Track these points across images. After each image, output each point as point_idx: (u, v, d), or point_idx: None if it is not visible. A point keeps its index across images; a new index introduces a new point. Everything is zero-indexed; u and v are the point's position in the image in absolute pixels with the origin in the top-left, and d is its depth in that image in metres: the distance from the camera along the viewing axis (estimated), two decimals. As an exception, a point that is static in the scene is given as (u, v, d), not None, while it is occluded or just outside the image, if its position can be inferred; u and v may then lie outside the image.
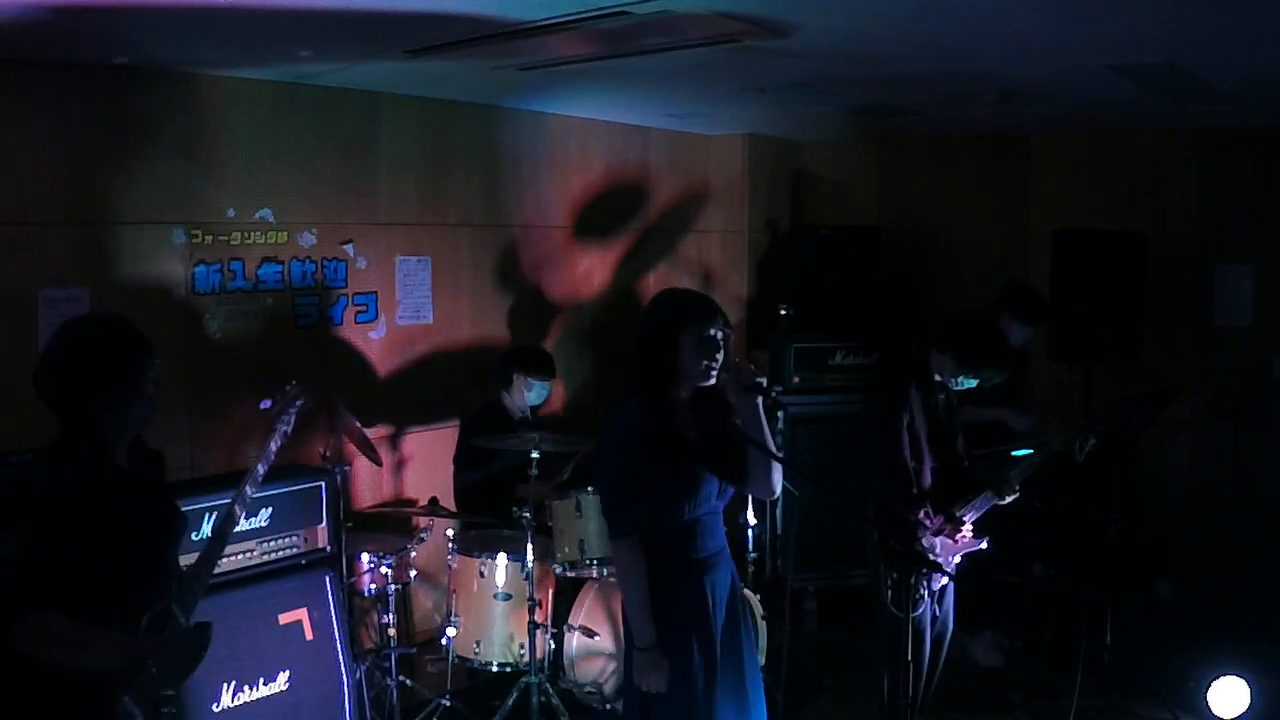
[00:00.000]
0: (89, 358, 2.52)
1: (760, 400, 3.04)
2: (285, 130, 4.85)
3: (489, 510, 4.83)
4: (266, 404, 3.43)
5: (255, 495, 3.93)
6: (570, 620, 4.55)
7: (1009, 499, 3.99)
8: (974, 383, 4.00)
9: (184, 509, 2.75)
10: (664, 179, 6.73)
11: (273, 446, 3.17)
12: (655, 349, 3.04)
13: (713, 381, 3.05)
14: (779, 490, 3.18)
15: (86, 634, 2.39)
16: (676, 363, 3.01)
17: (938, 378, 4.04)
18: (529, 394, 5.09)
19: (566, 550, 4.51)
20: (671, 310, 3.09)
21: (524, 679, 4.40)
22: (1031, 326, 5.22)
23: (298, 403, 3.32)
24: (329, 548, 4.31)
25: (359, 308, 5.19)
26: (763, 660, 4.68)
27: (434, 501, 4.95)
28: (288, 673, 4.03)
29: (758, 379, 3.15)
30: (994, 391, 4.26)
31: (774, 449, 3.13)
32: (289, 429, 3.27)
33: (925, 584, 3.82)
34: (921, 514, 3.90)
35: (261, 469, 3.10)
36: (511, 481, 4.84)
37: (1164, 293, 5.86)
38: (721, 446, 3.09)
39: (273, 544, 4.09)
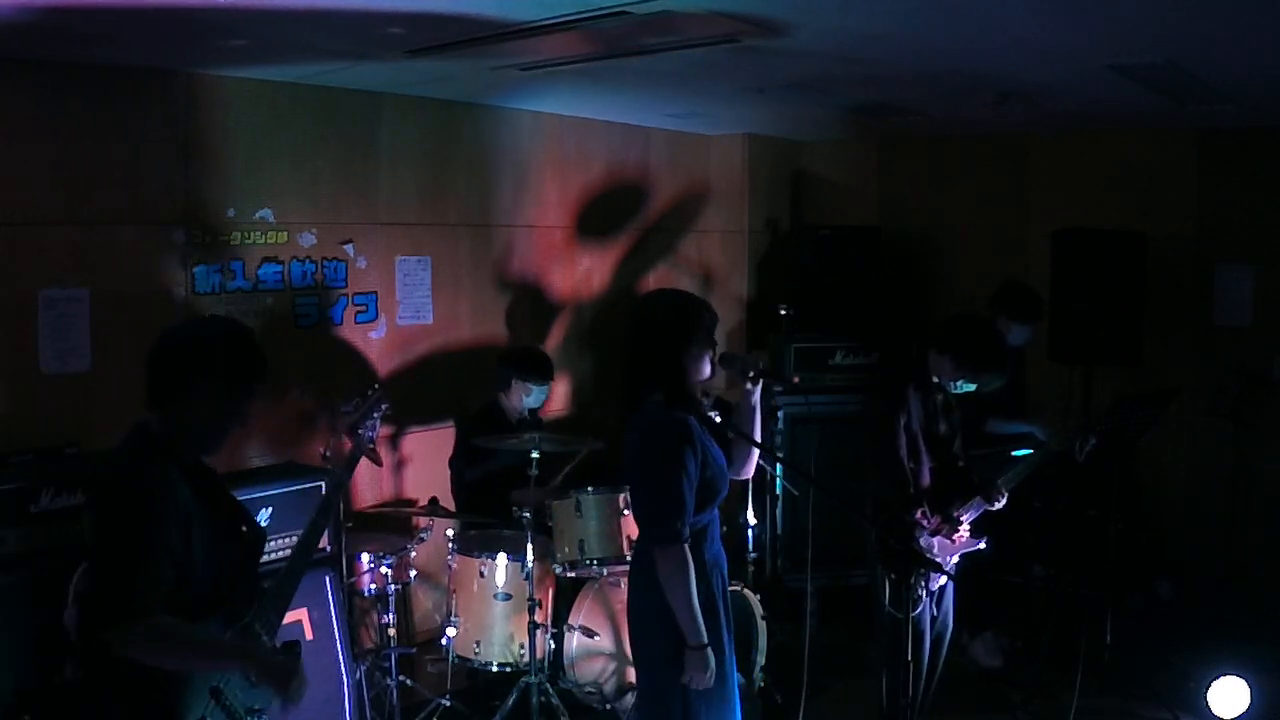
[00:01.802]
0: (225, 348, 2.54)
1: (760, 387, 3.22)
2: (285, 130, 4.85)
3: (489, 510, 4.84)
4: (348, 408, 3.43)
5: (256, 495, 3.95)
6: (570, 620, 4.55)
7: (998, 505, 3.99)
8: (972, 386, 4.00)
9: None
10: (664, 179, 6.73)
11: (360, 450, 3.20)
12: (670, 348, 3.08)
13: (710, 376, 3.19)
14: (751, 473, 3.40)
15: (193, 634, 2.40)
16: (690, 360, 3.08)
17: (936, 379, 4.04)
18: (527, 398, 5.08)
19: (566, 550, 4.51)
20: (680, 310, 3.16)
21: (524, 679, 4.40)
22: (1029, 326, 5.22)
23: (382, 406, 3.31)
24: (329, 548, 4.30)
25: (359, 308, 5.19)
26: (763, 660, 4.69)
27: (434, 501, 4.95)
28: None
29: (761, 366, 3.27)
30: (992, 394, 4.26)
31: (758, 436, 3.30)
32: (375, 434, 3.27)
33: (923, 584, 3.83)
34: (919, 514, 3.90)
35: (346, 476, 3.18)
36: (510, 482, 4.85)
37: (1164, 293, 5.86)
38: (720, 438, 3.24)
39: (273, 544, 4.07)
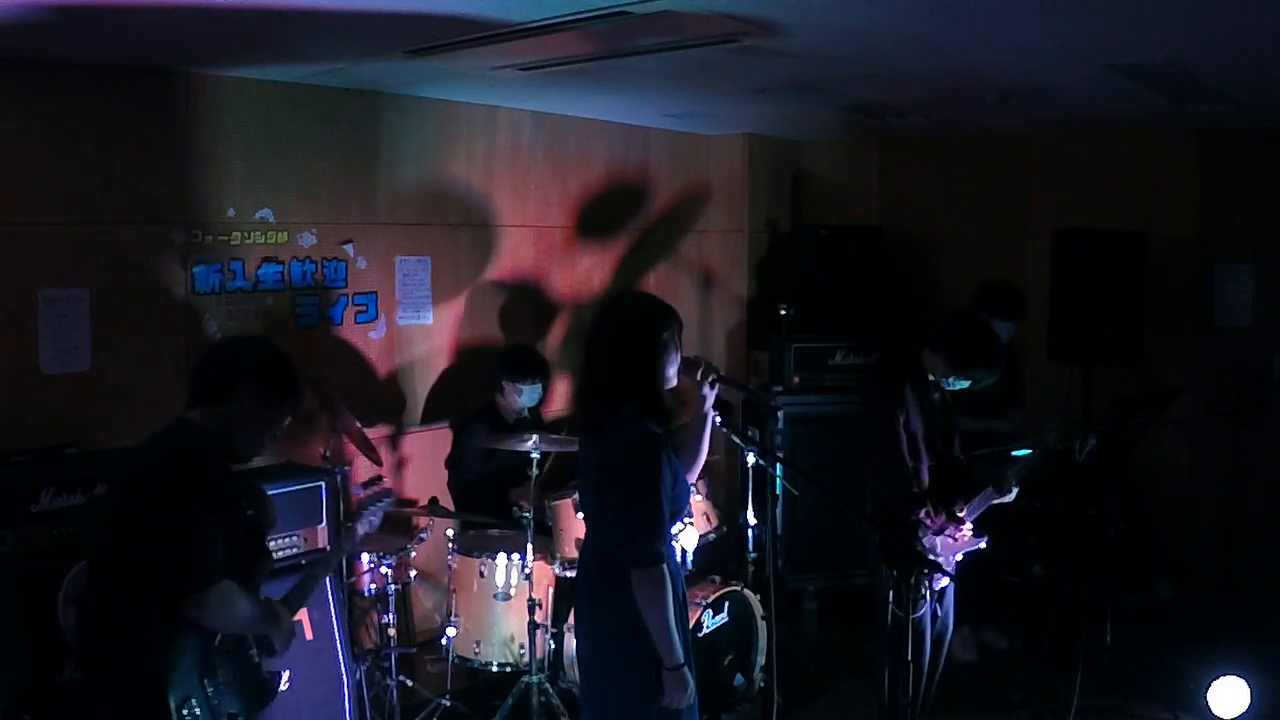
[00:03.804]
0: (268, 362, 2.76)
1: (715, 392, 3.15)
2: (285, 130, 4.85)
3: (488, 510, 4.83)
4: (358, 491, 3.52)
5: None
6: (570, 620, 4.54)
7: (1009, 496, 3.99)
8: (966, 383, 4.00)
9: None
10: (664, 179, 6.73)
11: (358, 534, 3.36)
12: (647, 356, 2.97)
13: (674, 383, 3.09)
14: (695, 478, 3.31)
15: (247, 596, 2.62)
16: (663, 368, 2.99)
17: (932, 377, 4.04)
18: (520, 398, 5.06)
19: (566, 550, 4.51)
20: (656, 317, 3.03)
21: (524, 679, 4.40)
22: (1010, 322, 5.21)
23: (387, 500, 3.46)
24: (329, 548, 4.30)
25: (359, 308, 5.19)
26: (762, 660, 4.69)
27: (434, 501, 4.95)
28: (288, 673, 4.01)
29: (719, 371, 3.22)
30: (989, 393, 4.26)
31: (707, 442, 3.25)
32: (375, 527, 3.41)
33: (927, 584, 3.82)
34: (923, 513, 3.90)
35: (338, 557, 3.39)
36: (508, 482, 4.84)
37: (1164, 293, 5.86)
38: None
39: (272, 544, 4.07)
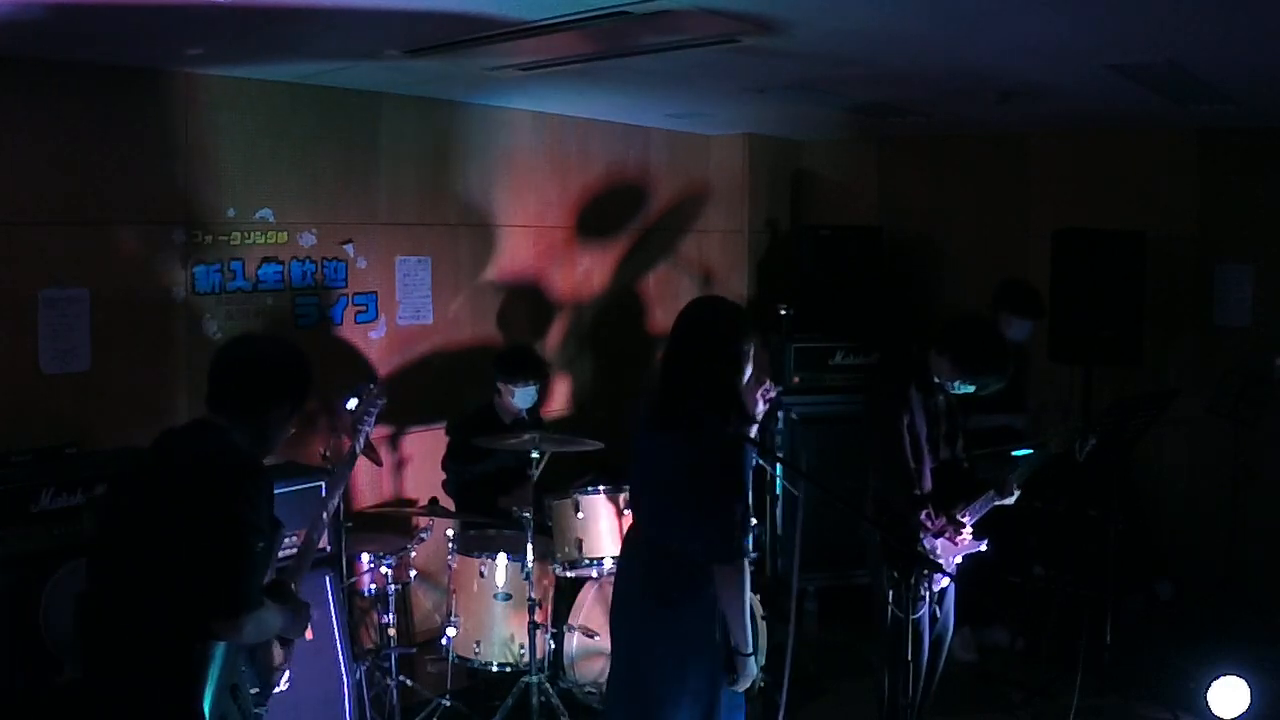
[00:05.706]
0: (302, 372, 2.75)
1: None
2: (285, 130, 4.85)
3: (484, 510, 4.83)
4: (347, 404, 3.49)
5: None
6: (570, 620, 4.55)
7: (1011, 499, 3.98)
8: (972, 387, 3.99)
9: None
10: (664, 179, 6.73)
11: (357, 447, 3.29)
12: (735, 364, 3.08)
13: None
14: None
15: (271, 613, 2.63)
16: (744, 374, 3.11)
17: (937, 379, 4.03)
18: (514, 400, 5.04)
19: (566, 550, 4.51)
20: (740, 322, 3.15)
21: (524, 679, 4.40)
22: (1030, 320, 5.22)
23: (380, 403, 3.40)
24: (328, 548, 4.30)
25: (359, 308, 5.19)
26: (762, 660, 4.69)
27: (434, 501, 4.95)
28: (288, 672, 4.01)
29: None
30: (995, 394, 4.26)
31: None
32: (370, 430, 3.36)
33: (927, 585, 3.82)
34: (924, 515, 3.90)
35: (345, 473, 3.30)
36: (506, 482, 4.84)
37: (1164, 293, 5.86)
38: None
39: (272, 544, 4.08)
